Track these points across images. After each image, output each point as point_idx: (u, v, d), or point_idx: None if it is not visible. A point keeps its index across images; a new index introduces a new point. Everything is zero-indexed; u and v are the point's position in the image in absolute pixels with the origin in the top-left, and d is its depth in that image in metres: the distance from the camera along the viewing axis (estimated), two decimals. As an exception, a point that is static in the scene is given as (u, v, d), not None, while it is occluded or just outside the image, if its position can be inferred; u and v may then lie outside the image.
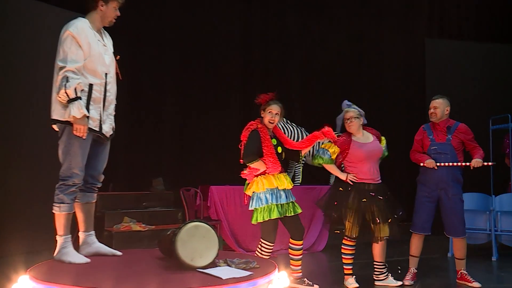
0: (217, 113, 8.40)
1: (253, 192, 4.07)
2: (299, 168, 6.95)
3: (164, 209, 6.54)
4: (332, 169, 4.37)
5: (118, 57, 3.48)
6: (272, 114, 4.11)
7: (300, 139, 6.52)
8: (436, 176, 4.49)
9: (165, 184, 7.21)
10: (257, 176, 4.07)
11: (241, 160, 4.03)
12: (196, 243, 2.97)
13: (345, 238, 4.34)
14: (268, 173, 4.05)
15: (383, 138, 4.56)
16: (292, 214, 4.09)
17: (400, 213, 4.31)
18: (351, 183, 4.26)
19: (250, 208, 4.09)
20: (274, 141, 4.14)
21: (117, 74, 3.48)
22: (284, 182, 4.08)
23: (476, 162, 4.39)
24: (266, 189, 4.03)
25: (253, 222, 4.05)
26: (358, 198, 4.23)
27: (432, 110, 4.61)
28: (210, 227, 3.08)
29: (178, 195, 6.13)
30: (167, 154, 8.17)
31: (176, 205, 6.64)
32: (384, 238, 4.31)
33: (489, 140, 7.06)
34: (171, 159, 8.18)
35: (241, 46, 8.66)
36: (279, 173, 4.08)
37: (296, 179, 6.91)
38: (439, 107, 4.58)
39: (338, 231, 4.35)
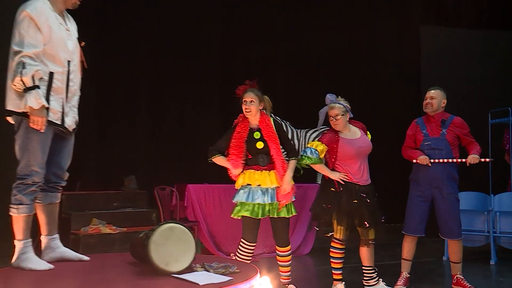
0: (195, 107, 8.38)
1: (237, 186, 4.19)
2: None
3: (137, 210, 6.51)
4: (322, 169, 4.37)
5: (83, 43, 3.39)
6: (246, 102, 4.14)
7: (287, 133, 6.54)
8: (430, 173, 4.53)
9: (138, 182, 7.17)
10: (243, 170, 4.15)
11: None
12: (171, 246, 2.96)
13: (334, 241, 4.37)
14: (253, 169, 4.10)
15: (368, 132, 4.58)
16: (274, 216, 4.10)
17: (383, 218, 4.35)
18: (343, 183, 4.28)
19: (233, 200, 4.19)
20: (257, 135, 4.15)
21: (81, 62, 3.40)
22: (267, 180, 4.09)
23: (473, 158, 4.44)
24: (242, 185, 4.11)
25: (232, 215, 4.15)
26: (350, 199, 4.25)
27: (428, 101, 4.65)
28: (187, 229, 3.08)
29: (152, 194, 6.11)
30: (140, 150, 8.13)
31: (150, 205, 6.62)
32: (371, 241, 4.34)
33: (488, 135, 7.16)
34: (144, 155, 8.15)
35: (220, 39, 8.64)
36: (263, 170, 4.10)
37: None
38: (436, 97, 4.62)
39: (328, 234, 4.37)
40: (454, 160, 4.49)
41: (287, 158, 4.22)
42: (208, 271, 3.04)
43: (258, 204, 4.05)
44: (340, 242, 4.35)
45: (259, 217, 4.06)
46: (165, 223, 3.03)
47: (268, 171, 4.12)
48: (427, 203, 4.58)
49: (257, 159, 4.14)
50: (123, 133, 8.01)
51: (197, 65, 8.40)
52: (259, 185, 4.07)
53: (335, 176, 4.30)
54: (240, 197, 4.10)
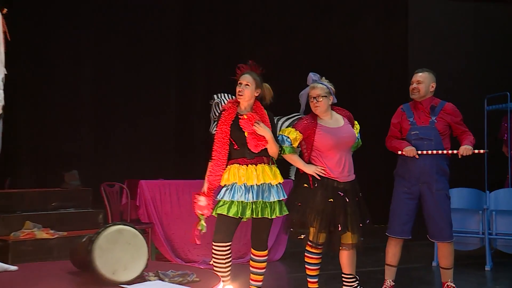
0: (149, 92, 8.33)
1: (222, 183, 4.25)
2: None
3: (80, 211, 6.42)
4: (295, 160, 4.40)
5: (4, 10, 3.29)
6: (240, 85, 4.22)
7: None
8: (417, 167, 4.60)
9: (81, 178, 7.08)
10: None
11: None
12: (120, 252, 2.96)
13: (309, 244, 4.40)
14: (238, 163, 4.17)
15: (356, 122, 4.63)
16: (257, 216, 4.13)
17: (367, 221, 4.41)
18: (318, 178, 4.31)
19: (216, 198, 4.22)
20: None
21: (4, 33, 3.33)
22: (253, 176, 4.13)
23: (465, 149, 4.52)
24: (225, 184, 4.16)
25: (213, 213, 4.19)
26: (324, 197, 4.29)
27: (414, 85, 4.72)
28: (138, 232, 3.08)
29: (98, 192, 6.06)
30: (84, 141, 8.05)
31: (96, 205, 6.55)
32: (353, 246, 4.39)
33: (484, 123, 7.27)
34: (89, 147, 8.07)
35: (178, 26, 8.60)
36: (249, 164, 4.16)
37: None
38: (424, 81, 4.69)
39: (302, 237, 4.40)
40: (445, 151, 4.58)
41: None
42: (162, 280, 3.05)
43: (238, 202, 4.09)
44: (315, 245, 4.38)
45: (238, 216, 4.08)
46: (113, 225, 3.02)
47: (255, 166, 4.17)
48: (414, 201, 4.66)
49: (243, 151, 4.18)
50: (63, 121, 7.90)
51: (151, 47, 8.35)
52: (245, 182, 4.12)
53: (309, 169, 4.33)
54: (222, 194, 4.14)
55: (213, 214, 4.17)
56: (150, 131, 8.12)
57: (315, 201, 4.28)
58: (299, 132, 4.36)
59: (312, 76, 4.48)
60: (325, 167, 4.32)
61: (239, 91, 4.22)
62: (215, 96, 7.39)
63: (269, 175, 4.17)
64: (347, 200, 4.30)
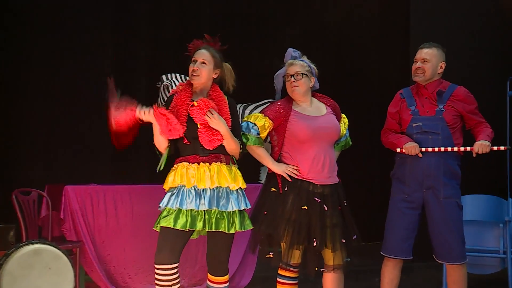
0: (76, 75, 8.26)
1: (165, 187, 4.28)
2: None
3: (-17, 226, 6.38)
4: (261, 155, 4.42)
5: None
6: (195, 62, 4.25)
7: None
8: (421, 168, 4.63)
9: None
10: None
11: None
12: (37, 279, 2.96)
13: (282, 266, 4.43)
14: (188, 162, 4.19)
15: (344, 116, 4.67)
16: (211, 229, 4.14)
17: (354, 237, 4.44)
18: (289, 179, 4.33)
19: (159, 207, 4.24)
20: None
21: None
22: (205, 177, 4.14)
23: (482, 146, 4.56)
24: (171, 187, 4.18)
25: (154, 227, 4.21)
26: (297, 203, 4.31)
27: (418, 64, 4.74)
28: (62, 253, 3.07)
29: (9, 201, 6.00)
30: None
31: (5, 218, 6.52)
32: (337, 267, 4.41)
33: (506, 112, 7.35)
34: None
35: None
36: (201, 162, 4.18)
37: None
38: (431, 60, 4.72)
39: (271, 255, 4.42)
40: (455, 148, 4.63)
41: None
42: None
43: (188, 211, 4.09)
44: (289, 268, 4.41)
45: (187, 228, 4.08)
46: (28, 245, 3.01)
47: (209, 164, 4.18)
48: (415, 211, 4.70)
49: (195, 147, 4.19)
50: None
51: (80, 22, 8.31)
52: (195, 185, 4.13)
53: (279, 168, 4.35)
54: (166, 202, 4.13)
55: (155, 228, 4.17)
56: (78, 124, 8.05)
57: (285, 209, 4.30)
58: (269, 118, 4.38)
59: (291, 52, 4.52)
60: (298, 165, 4.35)
61: (193, 70, 4.23)
62: (163, 77, 7.37)
63: (227, 178, 4.18)
64: (326, 208, 4.33)
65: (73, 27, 8.25)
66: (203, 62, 4.23)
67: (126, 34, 8.52)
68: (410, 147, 4.60)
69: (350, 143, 4.73)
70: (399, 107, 4.80)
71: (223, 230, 4.14)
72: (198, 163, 4.18)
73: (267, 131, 4.40)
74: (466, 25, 8.88)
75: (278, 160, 4.41)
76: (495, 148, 4.58)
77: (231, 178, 4.20)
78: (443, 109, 4.68)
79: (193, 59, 4.27)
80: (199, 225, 4.10)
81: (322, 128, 4.40)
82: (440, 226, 4.64)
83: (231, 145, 4.24)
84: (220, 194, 4.16)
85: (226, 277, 4.31)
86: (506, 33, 9.05)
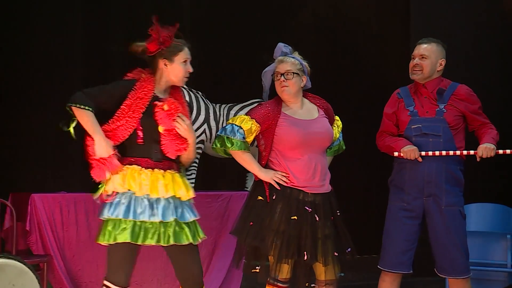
0: (45, 72, 8.25)
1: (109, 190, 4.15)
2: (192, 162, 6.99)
3: None
4: (247, 160, 4.41)
5: None
6: (186, 64, 4.24)
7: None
8: (420, 174, 4.64)
9: None
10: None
11: None
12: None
13: (269, 282, 4.40)
14: (139, 165, 4.13)
15: (337, 118, 4.67)
16: (168, 244, 4.10)
17: (348, 250, 4.43)
18: (278, 187, 4.33)
19: (100, 217, 4.13)
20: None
21: None
22: (159, 185, 4.10)
23: (486, 149, 4.54)
24: (117, 192, 4.10)
25: (96, 240, 4.12)
26: (286, 213, 4.30)
27: (416, 61, 4.76)
28: (28, 268, 3.06)
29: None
30: None
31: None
32: (329, 283, 4.41)
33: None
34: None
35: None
36: (155, 169, 4.14)
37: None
38: (429, 56, 4.74)
39: (257, 269, 4.42)
40: (458, 152, 4.62)
41: None
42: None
43: (141, 222, 4.06)
44: (278, 284, 4.39)
45: (140, 243, 4.05)
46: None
47: (164, 171, 4.16)
48: (415, 221, 4.70)
49: (150, 149, 4.15)
50: None
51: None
52: (147, 194, 4.08)
53: (266, 175, 4.35)
54: (114, 210, 4.05)
55: (101, 242, 4.09)
56: (45, 127, 8.02)
57: (273, 220, 4.29)
58: (256, 121, 4.37)
59: (282, 47, 4.52)
60: (287, 172, 4.35)
61: (188, 71, 4.27)
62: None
63: (181, 187, 4.16)
64: (317, 219, 4.33)
65: (40, 25, 8.25)
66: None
67: (99, 31, 8.50)
68: (408, 151, 4.60)
69: (344, 147, 4.72)
70: (396, 107, 4.81)
71: (186, 242, 4.12)
72: (152, 169, 4.14)
73: (254, 135, 4.39)
74: (471, 22, 8.90)
75: (266, 166, 4.41)
76: (501, 151, 4.57)
77: (185, 188, 4.18)
78: (444, 109, 4.68)
79: (183, 59, 4.25)
80: (151, 240, 4.06)
81: (313, 134, 4.39)
82: (442, 237, 4.65)
83: (191, 155, 4.25)
84: (175, 204, 4.14)
85: None
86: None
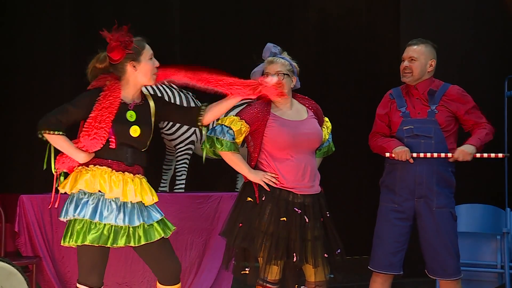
0: (35, 67, 8.24)
1: (71, 190, 4.14)
2: (183, 163, 6.99)
3: None
4: (236, 161, 4.41)
5: None
6: (152, 59, 4.23)
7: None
8: (412, 175, 4.65)
9: None
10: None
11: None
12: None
13: (259, 283, 4.41)
14: (109, 167, 4.13)
15: (326, 119, 4.68)
16: (140, 244, 4.12)
17: (338, 251, 4.44)
18: (267, 189, 4.33)
19: (61, 218, 4.15)
20: (131, 115, 4.16)
21: None
22: (129, 189, 4.11)
23: (462, 152, 4.54)
24: (83, 190, 4.09)
25: (62, 242, 4.13)
26: (275, 214, 4.31)
27: (406, 63, 4.77)
28: (17, 270, 3.05)
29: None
30: None
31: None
32: (321, 284, 4.41)
33: (504, 114, 7.38)
34: None
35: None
36: (126, 172, 4.16)
37: (178, 182, 6.96)
38: (418, 58, 4.75)
39: (246, 271, 4.42)
40: (449, 155, 4.60)
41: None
42: None
43: (109, 225, 4.06)
44: (267, 285, 4.39)
45: (109, 245, 4.06)
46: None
47: (133, 175, 4.16)
48: (406, 223, 4.72)
49: (122, 152, 4.16)
50: None
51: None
52: (118, 197, 4.09)
53: (256, 177, 4.36)
54: (80, 210, 4.05)
55: (69, 243, 4.11)
56: (34, 126, 7.96)
57: (262, 221, 4.30)
58: (246, 122, 4.38)
59: (271, 47, 4.53)
60: (277, 173, 4.36)
61: (155, 70, 4.26)
62: None
63: (147, 193, 4.17)
64: (307, 220, 4.34)
65: (27, 25, 8.23)
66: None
67: (87, 31, 8.49)
68: (400, 152, 4.61)
69: (333, 149, 4.73)
70: (389, 108, 4.82)
71: (158, 237, 4.13)
72: (123, 172, 4.15)
73: (243, 135, 4.40)
74: (462, 23, 8.93)
75: (255, 167, 4.42)
76: (492, 155, 4.59)
77: (150, 193, 4.19)
78: (435, 110, 4.69)
79: (149, 55, 4.26)
80: (121, 241, 4.07)
81: (302, 135, 4.41)
82: (432, 238, 4.67)
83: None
84: (140, 208, 4.15)
85: (178, 285, 4.29)
86: (503, 31, 9.12)
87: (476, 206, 6.51)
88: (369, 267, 4.81)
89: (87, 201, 4.07)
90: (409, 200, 4.68)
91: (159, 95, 6.47)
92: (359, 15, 9.62)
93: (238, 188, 7.10)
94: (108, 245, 4.05)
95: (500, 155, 4.63)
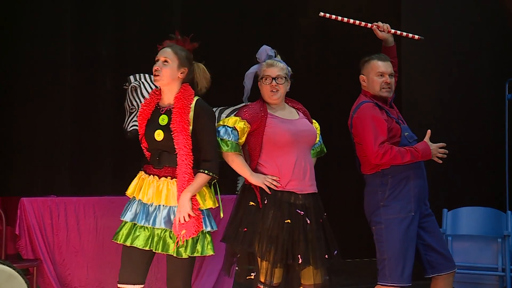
0: (32, 72, 8.26)
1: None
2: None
3: None
4: (239, 164, 4.41)
5: None
6: (157, 62, 4.28)
7: None
8: (422, 180, 4.66)
9: None
10: None
11: None
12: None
13: (260, 287, 4.42)
14: (145, 172, 4.27)
15: (314, 121, 4.70)
16: (157, 251, 4.16)
17: (335, 252, 4.46)
18: (268, 192, 4.34)
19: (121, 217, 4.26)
20: (163, 119, 4.22)
21: None
22: (158, 193, 4.17)
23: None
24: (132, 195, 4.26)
25: (113, 238, 4.25)
26: (279, 217, 4.32)
27: (385, 78, 4.68)
28: (17, 273, 3.06)
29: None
30: None
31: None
32: (319, 286, 4.43)
33: (505, 115, 7.39)
34: None
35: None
36: (156, 176, 4.22)
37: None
38: (392, 74, 4.76)
39: (252, 276, 4.43)
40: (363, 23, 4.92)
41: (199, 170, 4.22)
42: None
43: (145, 227, 4.15)
44: (268, 287, 4.40)
45: (147, 248, 4.13)
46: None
47: (164, 178, 4.20)
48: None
49: (152, 157, 4.23)
50: None
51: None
52: (151, 201, 4.17)
53: (257, 180, 4.36)
54: (127, 213, 4.21)
55: (119, 241, 4.21)
56: (35, 130, 8.02)
57: (266, 225, 4.31)
58: (247, 122, 4.39)
59: (267, 50, 4.54)
60: (278, 172, 4.37)
61: (155, 70, 4.27)
62: (131, 77, 7.34)
63: (167, 195, 4.21)
64: (309, 221, 4.36)
65: (29, 28, 8.27)
66: (165, 61, 4.25)
67: (88, 31, 8.52)
68: (437, 150, 4.56)
69: (325, 150, 4.76)
70: (386, 115, 4.65)
71: (171, 254, 4.16)
72: (153, 176, 4.23)
73: (245, 135, 4.41)
74: (463, 25, 8.95)
75: (256, 169, 4.43)
76: (410, 35, 4.84)
77: (165, 198, 4.22)
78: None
79: (156, 58, 4.29)
80: (155, 244, 4.14)
81: (301, 131, 4.45)
82: (435, 241, 4.68)
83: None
84: (169, 212, 4.19)
85: None
86: (504, 34, 9.15)
87: (477, 209, 6.49)
88: (392, 283, 4.54)
89: (132, 204, 4.26)
90: (421, 204, 4.65)
91: None
92: (359, 15, 9.63)
93: (238, 190, 7.11)
94: (147, 248, 4.14)
95: (416, 36, 4.82)
